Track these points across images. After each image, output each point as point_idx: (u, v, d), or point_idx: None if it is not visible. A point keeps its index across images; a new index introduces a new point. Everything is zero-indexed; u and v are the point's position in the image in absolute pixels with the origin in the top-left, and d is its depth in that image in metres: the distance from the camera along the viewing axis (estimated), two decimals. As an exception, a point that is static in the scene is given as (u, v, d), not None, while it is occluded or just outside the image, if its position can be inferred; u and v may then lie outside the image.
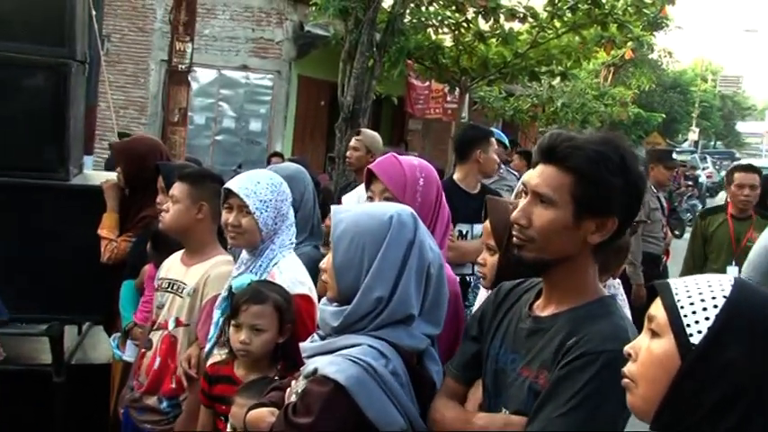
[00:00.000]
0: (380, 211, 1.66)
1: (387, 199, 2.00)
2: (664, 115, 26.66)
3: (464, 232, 3.81)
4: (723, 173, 19.55)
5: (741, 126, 59.35)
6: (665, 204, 6.02)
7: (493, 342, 1.59)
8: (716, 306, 1.07)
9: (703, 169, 22.52)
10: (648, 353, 1.12)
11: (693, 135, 36.35)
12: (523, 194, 1.53)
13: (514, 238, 1.52)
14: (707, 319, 1.07)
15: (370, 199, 2.08)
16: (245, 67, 12.11)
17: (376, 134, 4.99)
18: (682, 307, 1.10)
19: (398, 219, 1.64)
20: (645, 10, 9.13)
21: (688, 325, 1.08)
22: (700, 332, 1.07)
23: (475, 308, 1.92)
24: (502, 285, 1.70)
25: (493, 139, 4.11)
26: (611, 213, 1.45)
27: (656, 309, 1.13)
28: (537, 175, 1.49)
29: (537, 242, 1.48)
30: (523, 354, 1.51)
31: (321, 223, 2.97)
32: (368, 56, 7.64)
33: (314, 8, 8.74)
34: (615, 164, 1.42)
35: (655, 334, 1.13)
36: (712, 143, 50.53)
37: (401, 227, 1.63)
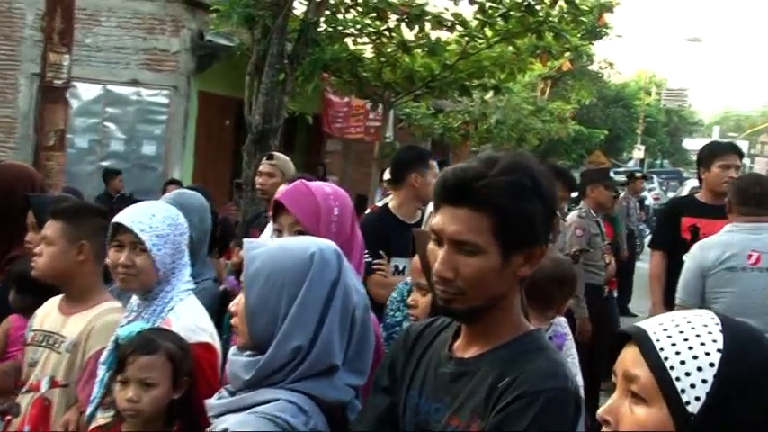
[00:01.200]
0: (300, 247, 1.66)
1: (298, 233, 2.00)
2: (606, 132, 27.71)
3: (401, 268, 3.85)
4: (671, 194, 20.28)
5: (688, 143, 62.21)
6: (604, 229, 6.19)
7: (410, 392, 1.58)
8: (711, 364, 1.04)
9: (650, 190, 23.26)
10: (634, 422, 1.08)
11: (639, 153, 37.85)
12: (435, 242, 1.53)
13: (440, 293, 1.52)
14: (704, 381, 1.04)
15: (278, 233, 2.07)
16: (135, 82, 11.90)
17: (287, 158, 5.03)
18: (672, 368, 1.05)
19: (321, 256, 1.64)
20: (582, 18, 9.45)
21: (682, 390, 1.04)
22: (698, 399, 1.04)
23: None
24: (410, 327, 1.71)
25: (433, 162, 4.12)
26: (538, 242, 1.49)
27: (637, 366, 1.08)
28: (450, 221, 1.48)
29: (468, 293, 1.49)
30: (449, 401, 1.50)
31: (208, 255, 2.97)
32: (278, 69, 7.64)
33: (215, 15, 8.70)
34: (530, 190, 1.46)
35: (638, 398, 1.08)
36: (659, 161, 52.80)
37: (324, 265, 1.63)
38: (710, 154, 4.80)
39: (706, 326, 1.08)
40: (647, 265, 5.47)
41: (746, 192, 3.87)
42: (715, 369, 1.04)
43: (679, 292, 3.88)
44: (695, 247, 3.94)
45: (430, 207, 3.26)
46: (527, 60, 9.98)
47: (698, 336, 1.07)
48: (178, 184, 8.47)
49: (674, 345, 1.07)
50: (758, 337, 1.09)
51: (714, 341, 1.06)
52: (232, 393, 1.64)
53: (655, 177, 29.63)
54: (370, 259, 3.72)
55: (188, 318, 2.21)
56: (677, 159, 56.39)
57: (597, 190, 6.08)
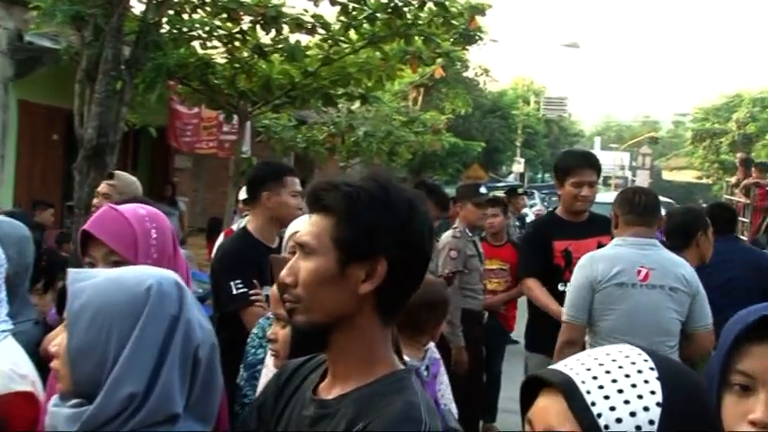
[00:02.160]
0: (135, 280, 1.63)
1: (115, 263, 1.97)
2: (484, 144, 28.47)
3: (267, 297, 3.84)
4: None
5: (569, 155, 65.12)
6: (482, 250, 6.33)
7: None
8: (651, 422, 1.03)
9: (531, 206, 24.11)
10: None
11: (519, 166, 39.23)
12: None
13: (285, 305, 1.59)
14: None
15: (91, 266, 2.03)
16: (-59, 91, 11.26)
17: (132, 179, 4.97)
18: (606, 427, 1.03)
19: (159, 290, 1.62)
20: (452, 21, 9.70)
21: None
22: None
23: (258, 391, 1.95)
24: (287, 364, 1.74)
25: (291, 179, 4.05)
26: (378, 255, 1.55)
27: (565, 423, 1.05)
28: (304, 228, 1.62)
29: (305, 301, 1.56)
30: None
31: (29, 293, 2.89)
32: (114, 76, 7.43)
33: (35, 13, 8.35)
34: (377, 199, 1.55)
35: None
36: (539, 175, 54.92)
37: (162, 299, 1.61)
38: (564, 169, 4.80)
39: (641, 372, 1.07)
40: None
41: (631, 201, 4.04)
42: (655, 427, 1.03)
43: (567, 308, 4.01)
44: (584, 259, 4.07)
45: (290, 229, 3.25)
46: (396, 67, 10.11)
47: (633, 386, 1.06)
48: (-5, 209, 8.08)
49: (607, 398, 1.05)
50: (695, 382, 1.11)
51: (652, 392, 1.05)
52: (54, 453, 1.58)
53: (536, 192, 30.71)
54: (245, 290, 3.69)
55: (4, 363, 2.11)
56: (559, 173, 58.82)
57: (465, 207, 6.17)
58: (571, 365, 1.09)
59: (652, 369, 1.07)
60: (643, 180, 67.41)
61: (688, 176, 59.39)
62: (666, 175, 69.51)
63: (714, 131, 38.38)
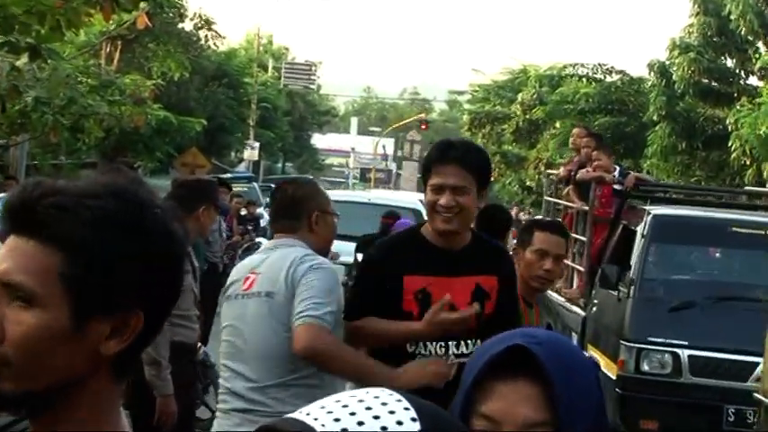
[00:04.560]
0: None
1: None
2: (205, 121, 28.43)
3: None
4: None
5: (319, 140, 66.61)
6: (195, 264, 6.34)
7: None
8: None
9: (266, 206, 24.18)
10: None
11: (252, 152, 39.43)
12: None
13: None
14: None
15: None
16: None
17: None
18: None
19: None
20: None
21: None
22: None
23: None
24: None
25: None
26: (133, 305, 1.50)
27: None
28: (6, 256, 1.50)
29: (16, 365, 1.46)
30: None
31: None
32: None
33: None
34: (129, 224, 1.49)
35: None
36: (280, 164, 55.58)
37: None
38: (426, 165, 4.28)
39: (393, 413, 1.16)
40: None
41: (272, 198, 4.39)
42: None
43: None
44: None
45: None
46: (81, 10, 9.88)
47: (384, 429, 1.14)
48: None
49: None
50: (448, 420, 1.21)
51: None
52: None
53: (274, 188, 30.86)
54: None
55: None
56: (304, 163, 59.97)
57: (207, 212, 6.22)
58: (318, 414, 1.16)
59: (407, 409, 1.16)
60: (410, 174, 70.11)
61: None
62: (439, 169, 72.48)
63: (495, 115, 40.41)
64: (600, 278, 9.73)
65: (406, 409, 1.16)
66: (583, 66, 35.77)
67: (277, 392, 4.11)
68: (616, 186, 11.29)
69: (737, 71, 27.74)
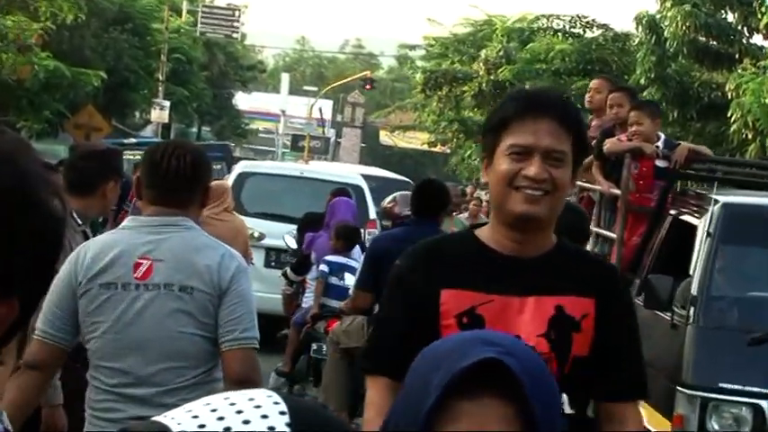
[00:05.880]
0: None
1: None
2: (104, 75, 28.24)
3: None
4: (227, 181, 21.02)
5: (242, 100, 66.39)
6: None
7: None
8: None
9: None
10: None
11: (161, 114, 39.22)
12: None
13: None
14: None
15: None
16: None
17: None
18: None
19: None
20: None
21: None
22: None
23: None
24: None
25: None
26: (9, 291, 1.54)
27: None
28: None
29: None
30: None
31: None
32: None
33: None
34: (12, 194, 1.52)
35: None
36: (194, 129, 55.31)
37: None
38: (501, 120, 3.53)
39: (266, 417, 1.33)
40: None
41: (158, 166, 4.47)
42: None
43: (39, 320, 4.37)
44: (80, 248, 4.55)
45: None
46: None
47: None
48: None
49: None
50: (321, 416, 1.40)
51: None
52: None
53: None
54: None
55: None
56: (225, 126, 59.67)
57: (114, 187, 6.43)
58: (173, 414, 1.35)
59: (283, 413, 1.33)
60: (352, 143, 70.34)
61: (417, 141, 62.60)
62: (385, 138, 72.93)
63: (454, 75, 40.41)
64: (644, 294, 8.01)
65: (282, 413, 1.33)
66: (558, 18, 36.06)
67: (188, 393, 4.28)
68: (659, 163, 9.48)
69: (740, 28, 27.77)
